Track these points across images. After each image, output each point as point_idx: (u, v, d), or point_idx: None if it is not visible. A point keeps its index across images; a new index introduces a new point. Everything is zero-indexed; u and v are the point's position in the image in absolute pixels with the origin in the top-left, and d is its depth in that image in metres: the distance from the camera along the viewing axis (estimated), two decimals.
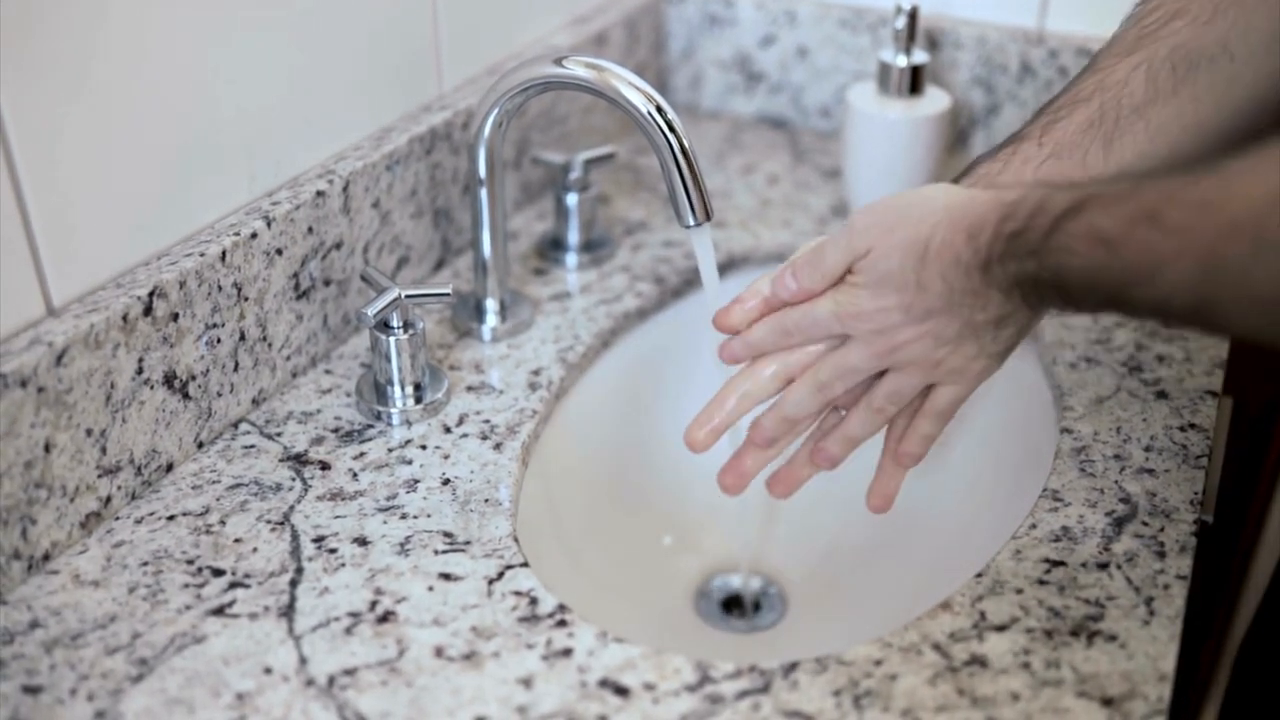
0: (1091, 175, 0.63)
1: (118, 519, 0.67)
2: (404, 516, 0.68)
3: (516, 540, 0.67)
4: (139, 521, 0.67)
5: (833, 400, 0.65)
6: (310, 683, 0.57)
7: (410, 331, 0.74)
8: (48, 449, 0.62)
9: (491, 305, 0.84)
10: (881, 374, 0.63)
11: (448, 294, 0.74)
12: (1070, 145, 0.64)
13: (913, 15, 0.95)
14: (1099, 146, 0.64)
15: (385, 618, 0.61)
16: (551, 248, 0.93)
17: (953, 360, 0.61)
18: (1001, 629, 0.60)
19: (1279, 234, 0.43)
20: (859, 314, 0.61)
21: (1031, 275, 0.55)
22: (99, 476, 0.66)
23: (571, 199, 0.92)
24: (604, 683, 0.58)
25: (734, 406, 0.66)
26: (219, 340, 0.72)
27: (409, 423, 0.75)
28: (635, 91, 0.68)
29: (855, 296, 0.61)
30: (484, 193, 0.80)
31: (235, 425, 0.74)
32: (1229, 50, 0.63)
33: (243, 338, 0.73)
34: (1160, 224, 0.48)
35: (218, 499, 0.69)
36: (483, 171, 0.79)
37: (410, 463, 0.72)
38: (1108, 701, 0.56)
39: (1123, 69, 0.65)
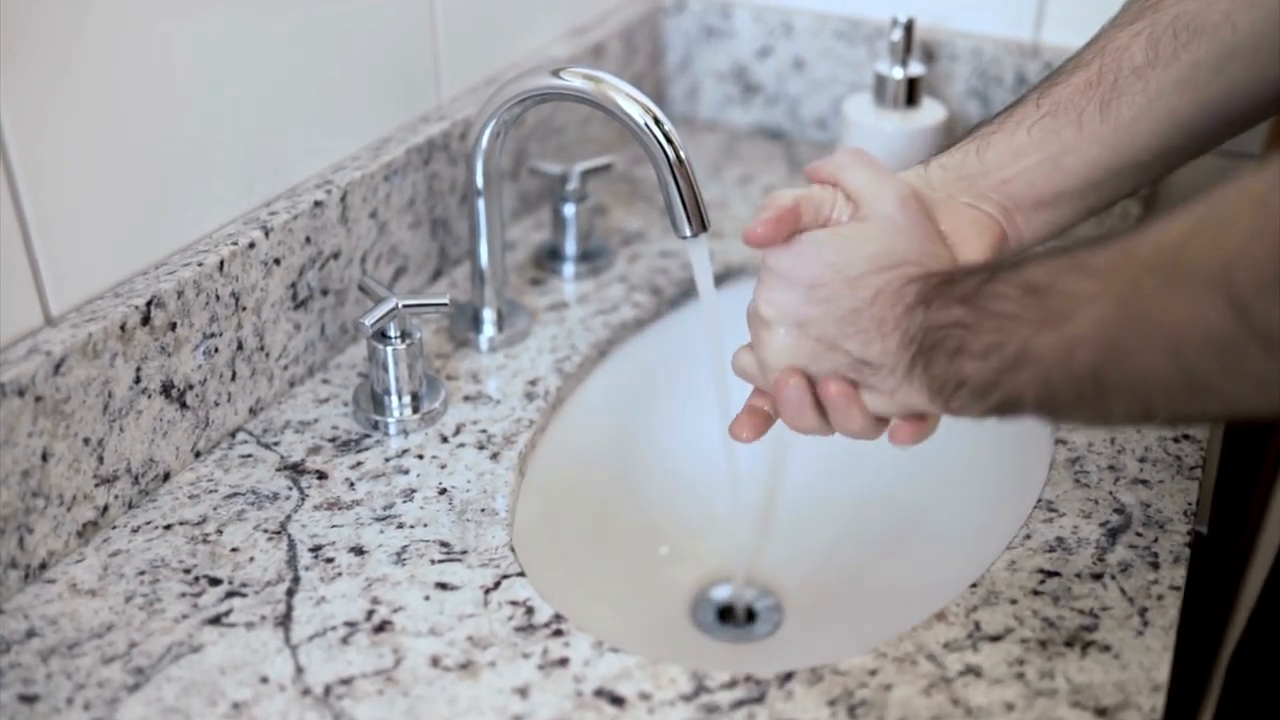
0: (1087, 134, 0.63)
1: (115, 528, 0.67)
2: (401, 526, 0.68)
3: (513, 550, 0.67)
4: (136, 530, 0.67)
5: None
6: (306, 692, 0.57)
7: (407, 341, 0.74)
8: (45, 458, 0.62)
9: (489, 315, 0.84)
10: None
11: (445, 304, 0.74)
12: (1066, 104, 0.64)
13: (909, 27, 0.95)
14: (1095, 106, 0.63)
15: (382, 627, 0.61)
16: (549, 258, 0.94)
17: (776, 343, 0.60)
18: (996, 639, 0.60)
19: (1189, 268, 0.44)
20: (783, 270, 0.60)
21: (946, 324, 0.54)
22: (96, 486, 0.66)
23: (569, 209, 0.92)
24: (600, 692, 0.58)
25: None
26: (216, 350, 0.72)
27: (406, 432, 0.75)
28: (632, 102, 0.69)
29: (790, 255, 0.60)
30: (481, 203, 0.80)
31: (233, 434, 0.75)
32: (1231, 21, 0.62)
33: (240, 347, 0.74)
34: (1085, 267, 0.49)
35: (215, 508, 0.69)
36: (480, 182, 0.79)
37: (407, 472, 0.72)
38: (1101, 712, 0.56)
39: (1124, 36, 0.64)
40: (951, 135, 1.08)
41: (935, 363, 0.55)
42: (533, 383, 0.81)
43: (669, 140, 0.68)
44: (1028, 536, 0.67)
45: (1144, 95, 0.63)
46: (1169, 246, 0.45)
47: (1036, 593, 0.63)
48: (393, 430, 0.75)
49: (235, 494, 0.70)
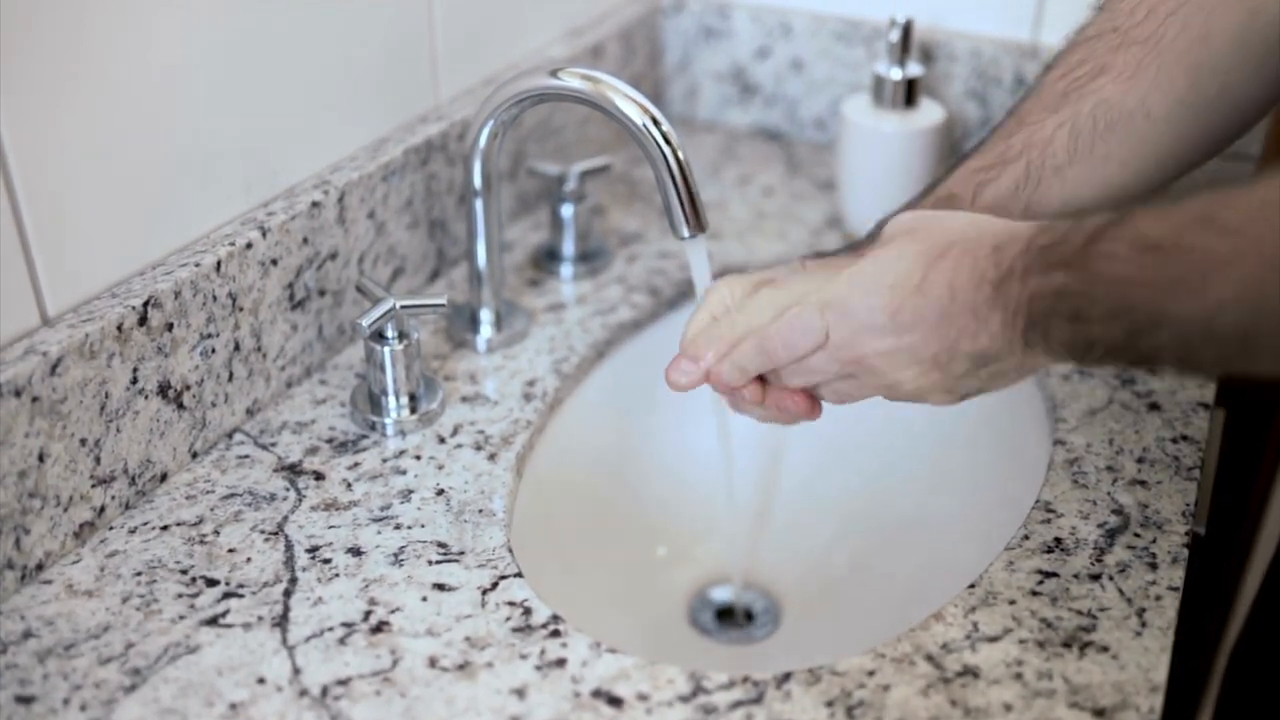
0: None
1: (111, 529, 0.67)
2: (398, 527, 0.68)
3: (510, 550, 0.67)
4: (133, 531, 0.67)
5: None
6: (304, 693, 0.57)
7: (405, 342, 0.74)
8: (42, 459, 0.62)
9: (486, 316, 0.84)
10: None
11: (443, 305, 0.74)
12: (999, 210, 0.64)
13: (907, 28, 0.95)
14: (1019, 212, 0.65)
15: (379, 628, 0.61)
16: (547, 259, 0.94)
17: (910, 385, 0.58)
18: (994, 640, 0.60)
19: None
20: (843, 309, 0.58)
21: (1052, 293, 0.51)
22: (93, 486, 0.66)
23: (567, 210, 0.92)
24: (597, 693, 0.58)
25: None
26: (213, 350, 0.72)
27: (403, 433, 0.75)
28: (630, 103, 0.69)
29: (845, 292, 0.58)
30: (479, 204, 0.80)
31: (230, 435, 0.75)
32: (1147, 107, 0.64)
33: (237, 348, 0.73)
34: (1215, 225, 0.45)
35: (212, 509, 0.69)
36: (478, 182, 0.79)
37: (404, 473, 0.72)
38: (1099, 712, 0.56)
39: (1050, 125, 0.66)
40: (950, 136, 1.08)
41: (1055, 329, 0.52)
42: (530, 384, 0.81)
43: (667, 141, 0.68)
44: (1026, 537, 0.67)
45: (1060, 195, 0.65)
46: None
47: (1035, 593, 0.63)
48: (390, 431, 0.75)
49: (232, 495, 0.70)
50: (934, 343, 0.56)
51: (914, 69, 0.96)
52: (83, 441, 0.64)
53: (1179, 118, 0.64)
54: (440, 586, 0.64)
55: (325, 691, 0.57)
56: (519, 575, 0.65)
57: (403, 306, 0.73)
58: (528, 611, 0.62)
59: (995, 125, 0.69)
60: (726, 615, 0.85)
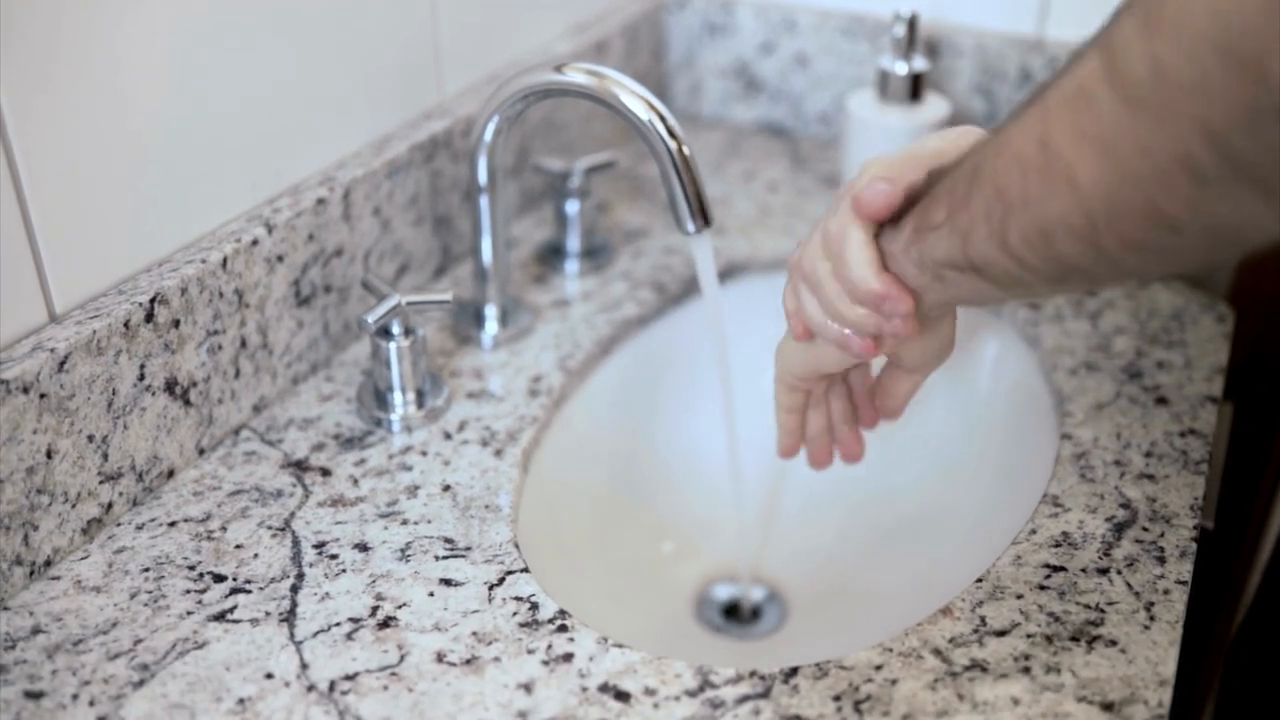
0: None
1: (119, 525, 0.67)
2: (404, 522, 0.68)
3: (517, 546, 0.67)
4: (140, 527, 0.67)
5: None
6: (311, 688, 0.57)
7: (411, 338, 0.74)
8: (50, 455, 0.62)
9: (492, 312, 0.84)
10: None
11: (448, 301, 0.74)
12: None
13: (912, 22, 0.95)
14: None
15: (386, 623, 0.61)
16: (552, 255, 0.94)
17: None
18: (1002, 634, 0.60)
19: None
20: None
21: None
22: (101, 483, 0.66)
23: (572, 206, 0.92)
24: (605, 688, 0.58)
25: None
26: (220, 347, 0.72)
27: (409, 429, 0.75)
28: (635, 98, 0.69)
29: None
30: (484, 200, 0.80)
31: (236, 432, 0.75)
32: None
33: (244, 344, 0.74)
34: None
35: (219, 505, 0.69)
36: (483, 179, 0.79)
37: (411, 469, 0.72)
38: (1108, 706, 0.56)
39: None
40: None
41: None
42: (536, 379, 0.81)
43: (672, 135, 0.68)
44: (1033, 531, 0.67)
45: None
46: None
47: (1042, 587, 0.63)
48: (396, 427, 0.75)
49: (239, 491, 0.70)
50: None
51: (919, 63, 0.96)
52: (90, 438, 0.64)
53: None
54: (447, 582, 0.64)
55: (333, 686, 0.57)
56: (525, 570, 0.65)
57: (408, 303, 0.73)
58: (534, 606, 0.62)
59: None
60: (733, 611, 0.85)
